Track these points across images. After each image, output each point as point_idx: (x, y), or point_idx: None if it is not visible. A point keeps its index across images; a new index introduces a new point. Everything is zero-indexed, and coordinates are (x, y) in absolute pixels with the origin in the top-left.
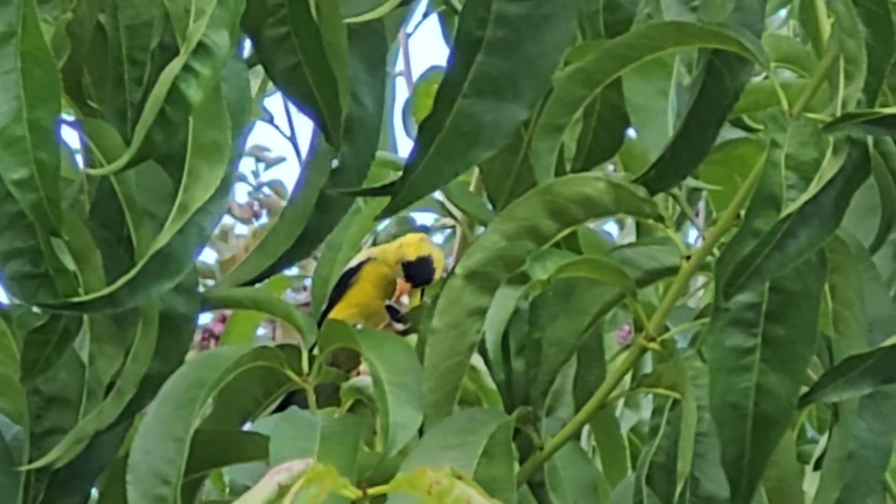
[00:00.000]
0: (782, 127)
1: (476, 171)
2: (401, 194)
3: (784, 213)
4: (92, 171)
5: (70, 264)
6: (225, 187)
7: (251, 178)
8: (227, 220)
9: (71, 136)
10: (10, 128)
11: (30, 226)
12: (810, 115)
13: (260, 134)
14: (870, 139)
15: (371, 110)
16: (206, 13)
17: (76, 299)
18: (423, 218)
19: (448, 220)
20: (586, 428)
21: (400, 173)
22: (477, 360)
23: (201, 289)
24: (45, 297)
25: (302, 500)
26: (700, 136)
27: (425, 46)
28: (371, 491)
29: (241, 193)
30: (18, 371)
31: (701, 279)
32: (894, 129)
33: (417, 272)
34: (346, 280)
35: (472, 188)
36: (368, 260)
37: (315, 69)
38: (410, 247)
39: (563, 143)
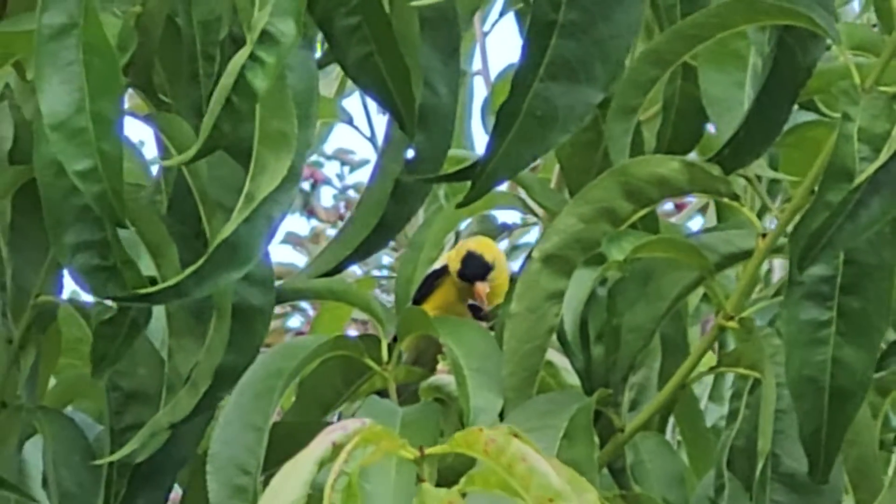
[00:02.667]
0: (854, 100)
1: (557, 166)
2: (481, 180)
3: (855, 182)
4: (164, 162)
5: (145, 258)
6: (293, 177)
7: (336, 182)
8: (318, 223)
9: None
10: (72, 119)
11: (97, 219)
12: (882, 89)
13: (344, 137)
14: None
15: (445, 99)
16: (271, 1)
17: (144, 290)
18: (505, 216)
19: (530, 218)
20: (672, 422)
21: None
22: (555, 355)
23: None
24: (113, 290)
25: (357, 459)
26: (773, 114)
27: (503, 46)
28: (429, 451)
29: (326, 196)
30: None
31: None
32: None
33: (468, 270)
34: (431, 282)
35: (552, 184)
36: None
37: (387, 58)
38: (455, 255)
39: (643, 137)
